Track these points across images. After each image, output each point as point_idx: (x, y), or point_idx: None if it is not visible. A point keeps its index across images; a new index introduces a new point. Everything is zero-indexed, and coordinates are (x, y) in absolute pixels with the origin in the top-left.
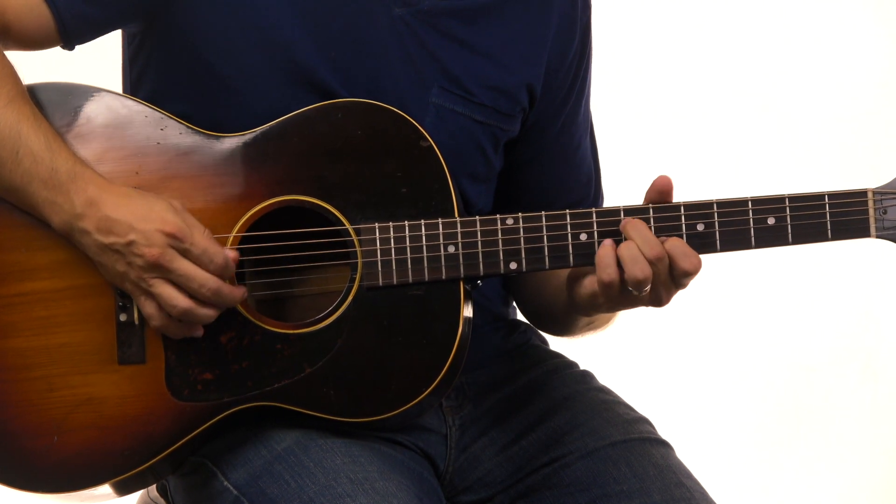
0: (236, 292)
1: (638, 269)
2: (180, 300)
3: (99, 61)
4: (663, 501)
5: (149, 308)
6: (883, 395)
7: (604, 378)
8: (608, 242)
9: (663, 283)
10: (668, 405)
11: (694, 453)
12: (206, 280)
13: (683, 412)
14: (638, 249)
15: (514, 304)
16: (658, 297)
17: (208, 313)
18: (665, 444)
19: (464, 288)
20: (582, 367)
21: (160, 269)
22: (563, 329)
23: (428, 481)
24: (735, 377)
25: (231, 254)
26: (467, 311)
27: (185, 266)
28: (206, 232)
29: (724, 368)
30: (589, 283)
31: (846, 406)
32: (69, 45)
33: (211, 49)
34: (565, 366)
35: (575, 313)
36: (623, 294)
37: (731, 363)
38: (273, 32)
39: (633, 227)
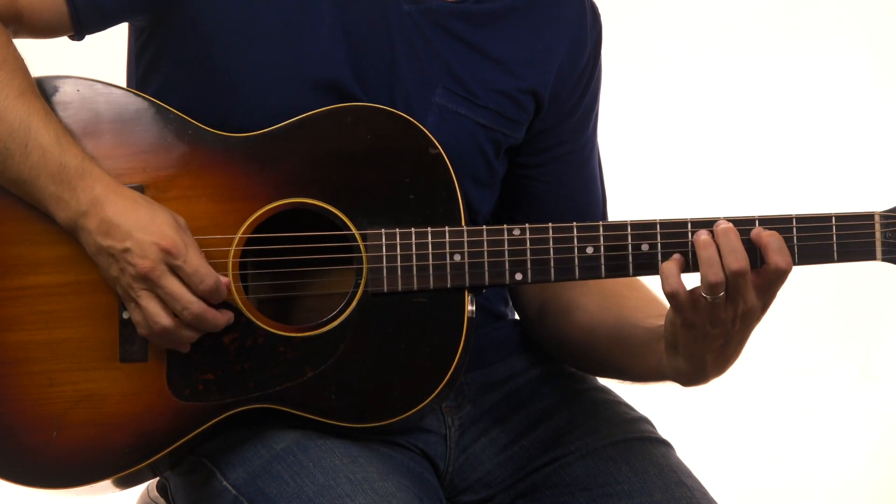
0: (220, 319)
1: (713, 272)
2: (162, 318)
3: (104, 56)
4: (664, 500)
5: (136, 315)
6: (882, 396)
7: (604, 379)
8: (677, 257)
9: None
10: (668, 405)
11: (694, 453)
12: (190, 303)
13: (683, 412)
14: (717, 254)
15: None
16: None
17: (189, 335)
18: (665, 444)
19: (468, 297)
20: None
21: (148, 282)
22: (605, 374)
23: (428, 482)
24: (735, 377)
25: (224, 279)
26: (471, 319)
27: (172, 285)
28: (203, 254)
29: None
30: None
31: (845, 407)
32: (80, 34)
33: (221, 43)
34: (565, 366)
35: (646, 379)
36: (698, 312)
37: (732, 366)
38: (288, 26)
39: (723, 233)
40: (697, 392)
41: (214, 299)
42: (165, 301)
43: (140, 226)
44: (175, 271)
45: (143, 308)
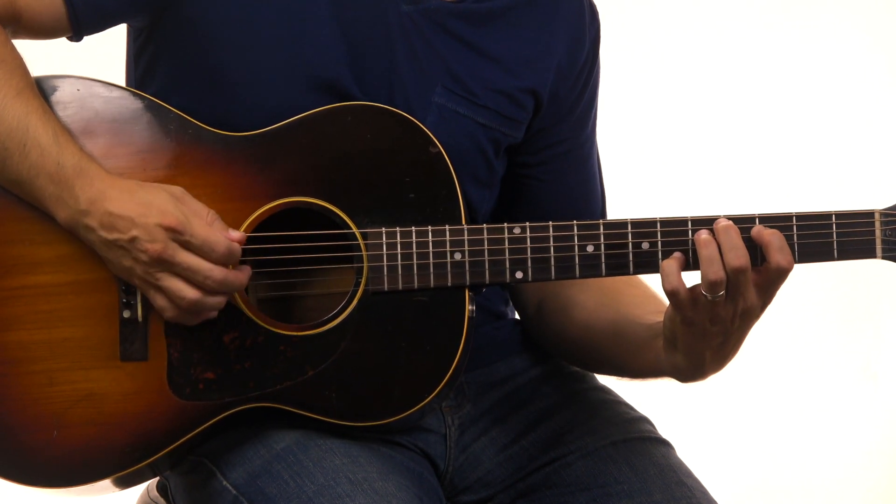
0: (242, 277)
1: (713, 270)
2: (188, 292)
3: (103, 56)
4: (664, 500)
5: (160, 301)
6: (882, 395)
7: (603, 377)
8: (678, 255)
9: (742, 293)
10: (668, 405)
11: (694, 453)
12: (210, 271)
13: (683, 412)
14: (718, 252)
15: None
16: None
17: (218, 301)
18: (665, 444)
19: (469, 295)
20: None
21: (165, 264)
22: (605, 371)
23: (428, 481)
24: (735, 377)
25: (235, 235)
26: (472, 318)
27: (188, 259)
28: (210, 216)
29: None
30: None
31: (845, 406)
32: (78, 34)
33: (219, 42)
34: (565, 365)
35: (645, 375)
36: (698, 310)
37: (730, 362)
38: (287, 27)
39: (724, 231)
40: (697, 392)
41: (231, 262)
42: (185, 276)
43: (140, 211)
44: (185, 246)
45: (165, 289)
